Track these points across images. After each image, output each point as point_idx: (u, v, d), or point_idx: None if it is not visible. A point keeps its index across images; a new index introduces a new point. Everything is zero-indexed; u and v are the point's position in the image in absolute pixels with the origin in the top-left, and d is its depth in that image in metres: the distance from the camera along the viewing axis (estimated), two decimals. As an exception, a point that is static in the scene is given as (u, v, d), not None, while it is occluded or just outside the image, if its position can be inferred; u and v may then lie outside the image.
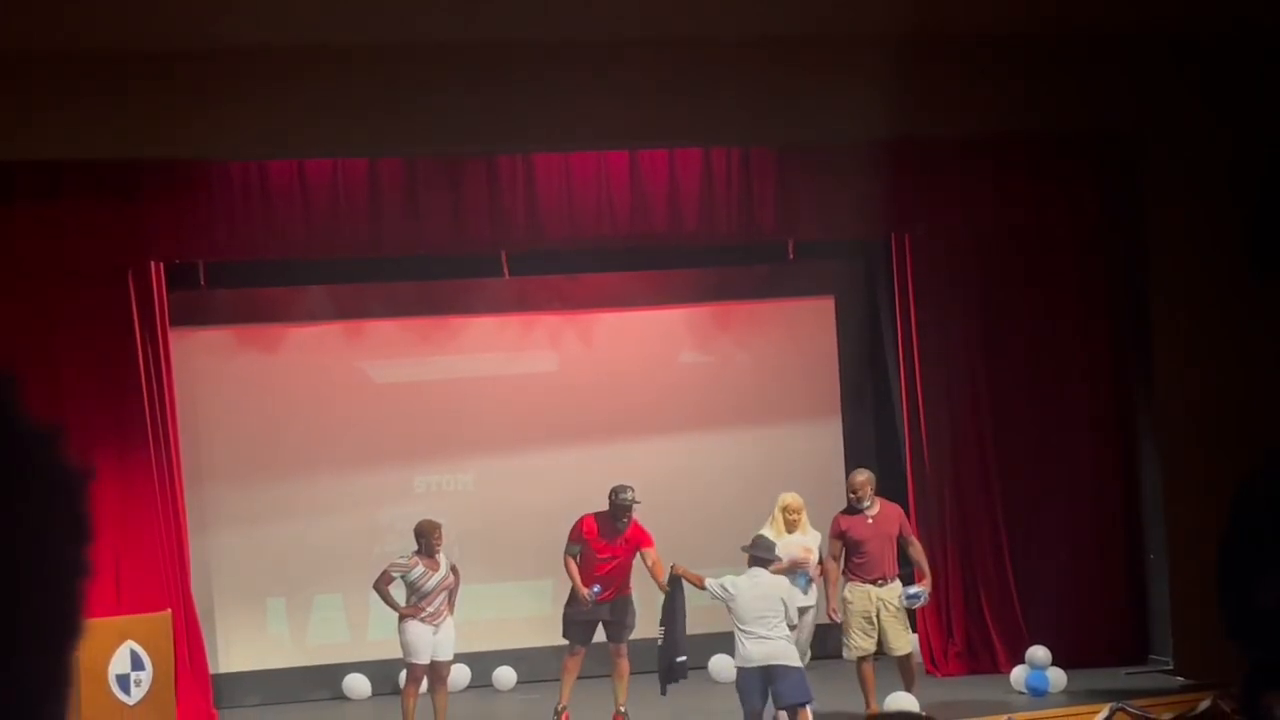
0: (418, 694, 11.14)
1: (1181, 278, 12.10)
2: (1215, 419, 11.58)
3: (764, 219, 12.47)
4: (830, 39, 11.34)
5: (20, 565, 1.24)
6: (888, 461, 13.56)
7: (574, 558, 11.29)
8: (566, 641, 11.43)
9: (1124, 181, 12.52)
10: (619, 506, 11.24)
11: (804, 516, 11.39)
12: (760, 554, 10.20)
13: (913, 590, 11.08)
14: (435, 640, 11.03)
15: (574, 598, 11.31)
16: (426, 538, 11.15)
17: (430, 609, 11.04)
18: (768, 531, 11.13)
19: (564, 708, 11.45)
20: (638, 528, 11.27)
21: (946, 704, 11.57)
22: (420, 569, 11.05)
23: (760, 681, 9.94)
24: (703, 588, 10.32)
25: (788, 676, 9.92)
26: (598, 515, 11.32)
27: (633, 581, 11.40)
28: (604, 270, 13.52)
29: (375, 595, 11.29)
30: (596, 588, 11.14)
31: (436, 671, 11.13)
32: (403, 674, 11.52)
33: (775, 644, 9.91)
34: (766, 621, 9.89)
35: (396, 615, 11.11)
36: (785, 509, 11.30)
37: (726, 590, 10.02)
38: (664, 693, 10.85)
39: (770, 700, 10.03)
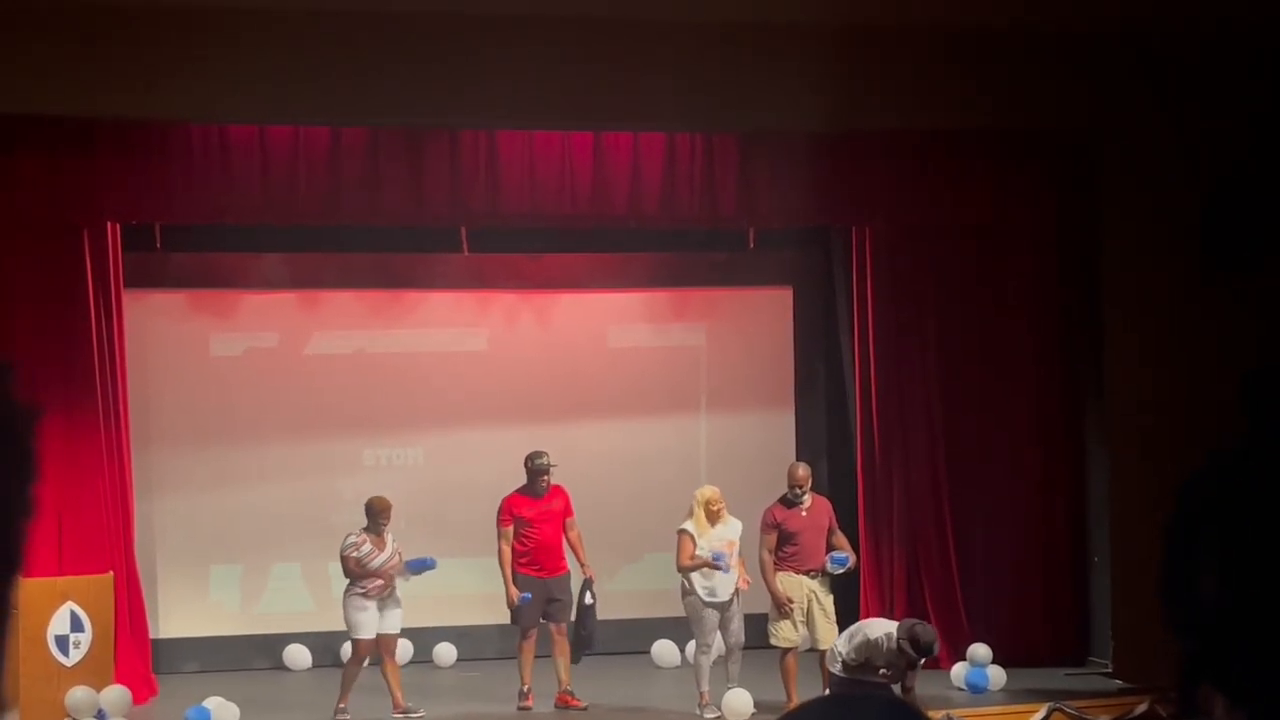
0: (360, 669, 11.12)
1: (1135, 278, 12.15)
2: (1164, 422, 11.60)
3: (725, 205, 12.45)
4: (794, 29, 11.33)
5: None
6: (838, 455, 13.57)
7: (508, 543, 11.37)
8: (517, 626, 11.46)
9: (1081, 181, 12.56)
10: (535, 470, 11.42)
11: (724, 507, 11.15)
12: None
13: (839, 554, 11.06)
14: (380, 616, 11.02)
15: (518, 583, 11.37)
16: (377, 517, 11.13)
17: (373, 585, 11.01)
18: (689, 526, 11.05)
19: (528, 689, 11.44)
20: (558, 489, 11.49)
21: (886, 697, 11.60)
22: (367, 547, 11.01)
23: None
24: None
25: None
26: (518, 490, 11.48)
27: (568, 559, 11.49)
28: (563, 251, 13.48)
29: (335, 573, 11.30)
30: (527, 595, 11.25)
31: (384, 645, 11.12)
32: (345, 646, 11.48)
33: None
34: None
35: (342, 592, 11.10)
36: (708, 502, 11.04)
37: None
38: (577, 661, 11.34)
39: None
